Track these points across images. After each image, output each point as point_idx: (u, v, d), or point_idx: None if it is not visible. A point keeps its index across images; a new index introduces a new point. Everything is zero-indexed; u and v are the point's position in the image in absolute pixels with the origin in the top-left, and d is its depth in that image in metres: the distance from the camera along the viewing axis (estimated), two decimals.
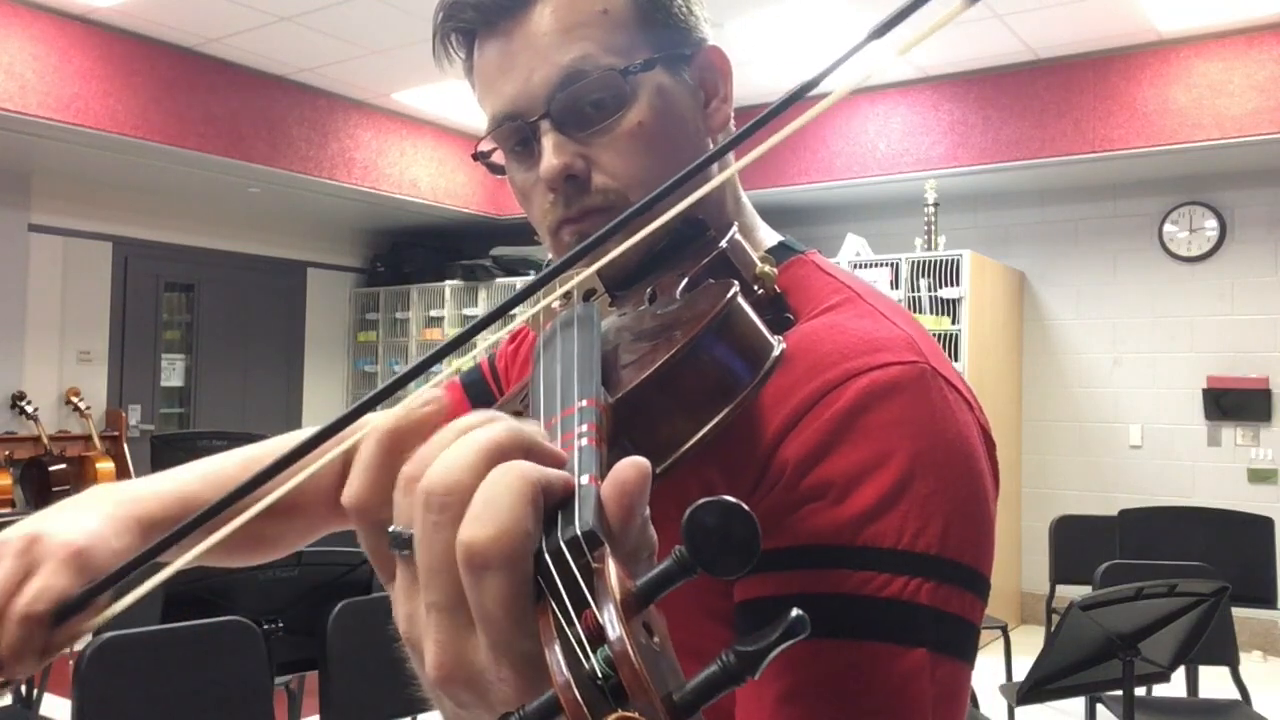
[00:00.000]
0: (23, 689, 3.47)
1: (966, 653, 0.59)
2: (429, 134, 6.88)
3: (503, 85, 0.72)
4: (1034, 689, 2.55)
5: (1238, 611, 3.32)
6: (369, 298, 8.25)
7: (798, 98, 0.47)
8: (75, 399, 6.34)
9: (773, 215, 0.82)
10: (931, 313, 5.66)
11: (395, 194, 6.69)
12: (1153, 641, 2.53)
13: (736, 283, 0.54)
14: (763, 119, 0.48)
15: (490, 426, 0.40)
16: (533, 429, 0.41)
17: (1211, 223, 5.77)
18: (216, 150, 5.69)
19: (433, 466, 0.38)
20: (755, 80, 5.44)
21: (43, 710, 3.45)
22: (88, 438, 6.29)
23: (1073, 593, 2.88)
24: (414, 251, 8.11)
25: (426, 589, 0.38)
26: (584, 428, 0.43)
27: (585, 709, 0.31)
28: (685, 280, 0.64)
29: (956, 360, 5.43)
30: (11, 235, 6.19)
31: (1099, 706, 3.09)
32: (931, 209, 5.86)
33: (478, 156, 0.78)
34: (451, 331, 7.68)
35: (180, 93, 5.51)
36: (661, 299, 0.64)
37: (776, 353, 0.53)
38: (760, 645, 0.31)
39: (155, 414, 6.99)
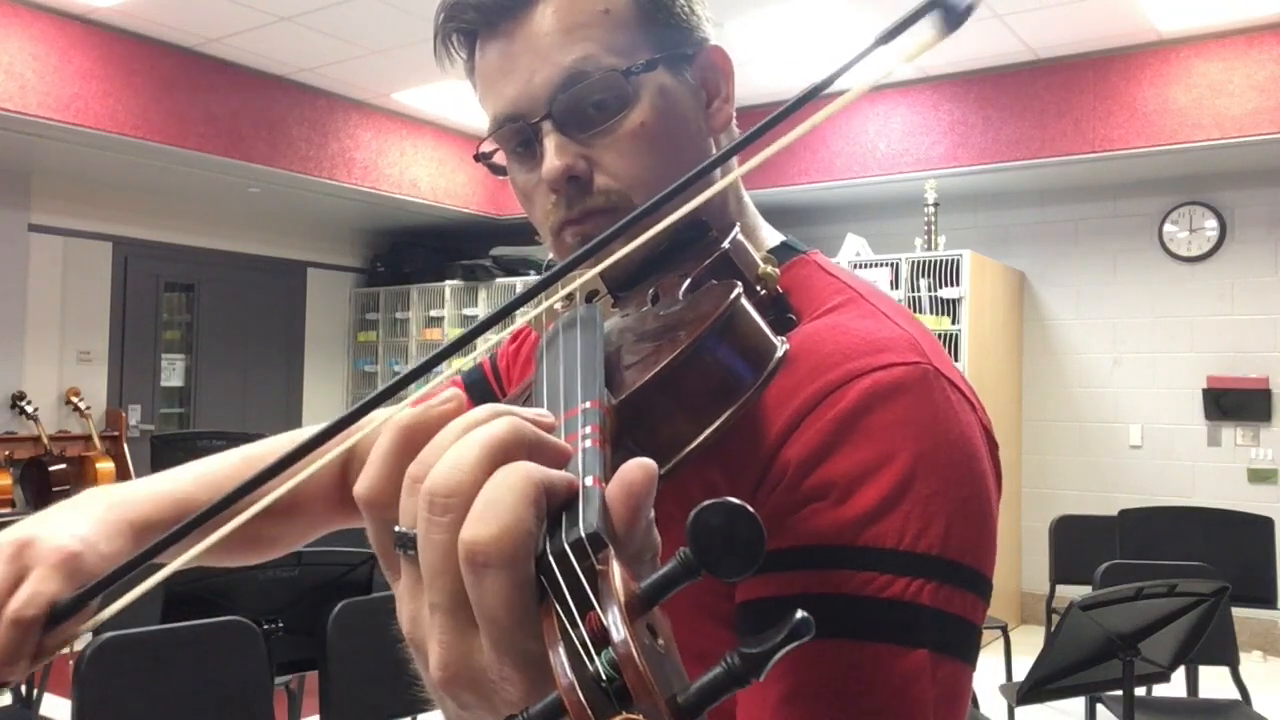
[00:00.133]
0: (23, 689, 3.48)
1: (968, 654, 0.59)
2: (429, 134, 6.88)
3: (504, 86, 0.72)
4: (1034, 689, 2.55)
5: (1238, 611, 3.32)
6: (369, 298, 8.25)
7: (807, 100, 0.47)
8: (75, 399, 6.34)
9: (773, 215, 0.82)
10: (931, 313, 5.66)
11: (395, 194, 6.69)
12: (1153, 641, 2.53)
13: (740, 284, 0.54)
14: (769, 123, 0.48)
15: (493, 424, 0.40)
16: (532, 419, 0.41)
17: (1211, 223, 5.77)
18: (216, 150, 5.69)
19: (436, 467, 0.38)
20: (755, 80, 5.44)
21: (43, 710, 3.45)
22: (88, 438, 6.29)
23: (1073, 593, 2.88)
24: (414, 251, 8.11)
25: (430, 590, 0.38)
26: (588, 429, 0.43)
27: (590, 711, 0.31)
28: (688, 281, 0.64)
29: (956, 360, 5.43)
30: (11, 235, 6.19)
31: (1099, 706, 3.09)
32: (931, 209, 5.86)
33: (479, 158, 0.78)
34: (452, 331, 7.68)
35: (180, 93, 5.51)
36: (664, 300, 0.64)
37: (780, 354, 0.52)
38: (765, 647, 0.31)
39: (155, 414, 6.99)
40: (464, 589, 0.37)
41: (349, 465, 0.92)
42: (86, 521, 0.71)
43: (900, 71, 5.70)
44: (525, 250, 7.34)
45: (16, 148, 5.53)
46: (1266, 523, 3.85)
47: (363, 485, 0.43)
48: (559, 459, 0.40)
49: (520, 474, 0.37)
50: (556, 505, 0.37)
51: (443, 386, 0.79)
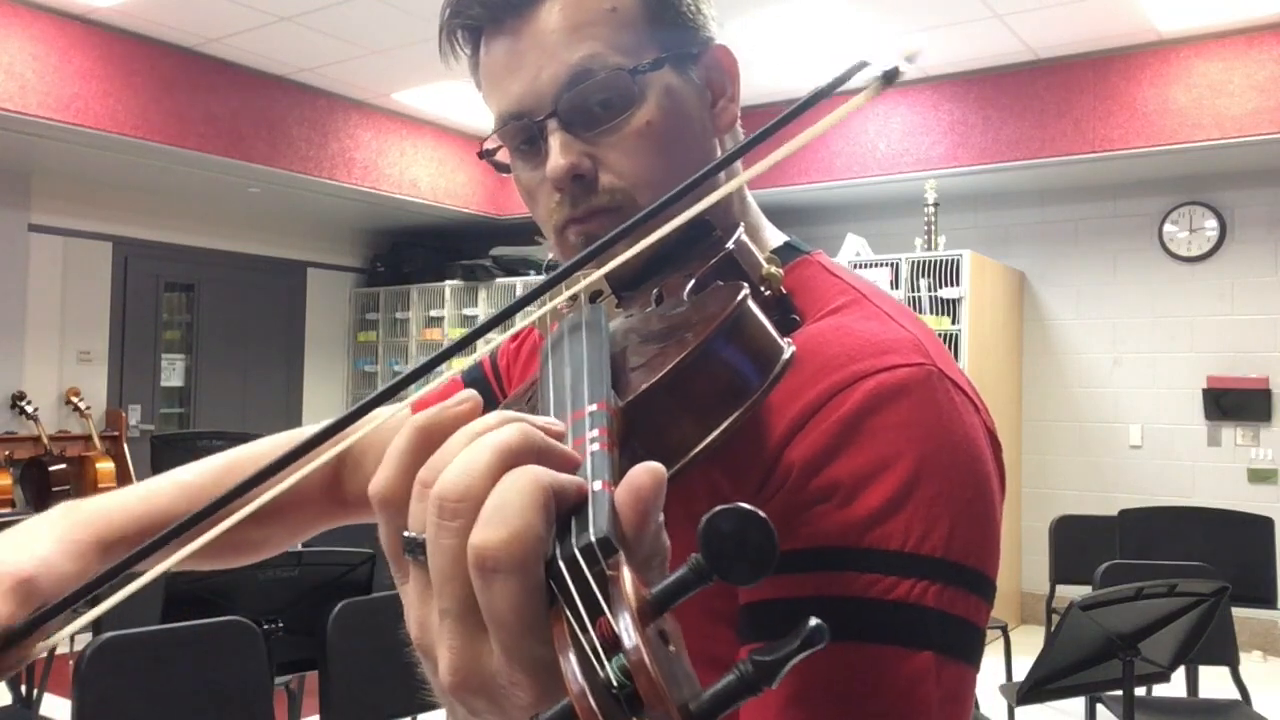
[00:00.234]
0: (22, 689, 3.47)
1: (972, 655, 0.59)
2: (429, 134, 6.87)
3: (510, 83, 0.72)
4: (1034, 689, 2.55)
5: (1238, 611, 3.32)
6: (369, 298, 8.25)
7: (810, 105, 0.47)
8: (75, 399, 6.34)
9: (773, 215, 0.82)
10: (931, 313, 5.66)
11: (395, 194, 6.69)
12: (1153, 641, 2.53)
13: (746, 285, 0.54)
14: (773, 126, 0.48)
15: (503, 429, 0.39)
16: (542, 426, 0.41)
17: (1211, 223, 5.77)
18: (216, 150, 5.69)
19: (445, 472, 0.38)
20: (755, 80, 5.44)
21: (43, 710, 3.44)
22: (88, 438, 6.29)
23: (1073, 593, 2.88)
24: (414, 251, 8.10)
25: (439, 595, 0.38)
26: (594, 432, 0.43)
27: (601, 717, 0.31)
28: (692, 281, 0.63)
29: (957, 360, 5.41)
30: (11, 235, 6.19)
31: (1099, 706, 3.09)
32: (931, 209, 5.86)
33: (483, 155, 0.78)
34: (452, 331, 7.68)
35: (180, 93, 5.51)
36: (668, 300, 0.63)
37: (787, 355, 0.52)
38: (778, 655, 0.31)
39: (155, 414, 6.99)
40: (473, 594, 0.36)
41: (341, 466, 0.92)
42: (47, 541, 0.70)
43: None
44: (525, 250, 7.34)
45: (16, 148, 5.53)
46: (1266, 523, 3.85)
47: (376, 484, 0.43)
48: (568, 466, 0.40)
49: (529, 478, 0.36)
50: (565, 509, 0.37)
51: (442, 385, 0.79)
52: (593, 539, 0.35)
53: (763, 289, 0.65)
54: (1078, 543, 4.16)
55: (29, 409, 6.09)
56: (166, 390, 7.17)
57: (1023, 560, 6.15)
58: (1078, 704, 3.21)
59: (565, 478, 0.38)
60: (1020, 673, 2.98)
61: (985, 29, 5.06)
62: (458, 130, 6.97)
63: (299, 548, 2.65)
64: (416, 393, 0.61)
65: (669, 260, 0.69)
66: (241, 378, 7.49)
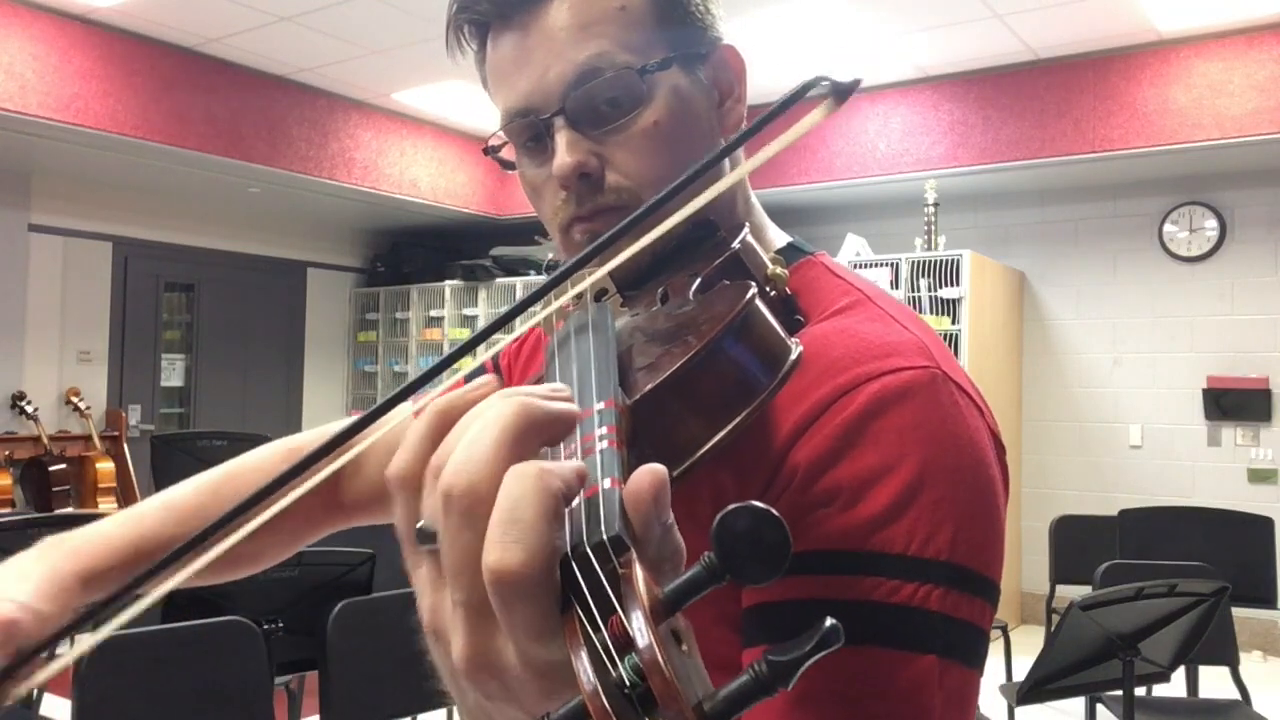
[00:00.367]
0: None
1: (976, 659, 0.59)
2: (429, 134, 6.87)
3: (517, 80, 0.72)
4: (1034, 689, 2.55)
5: (1238, 611, 3.32)
6: (369, 298, 8.25)
7: (797, 99, 0.47)
8: (75, 399, 6.34)
9: (773, 215, 0.82)
10: (931, 313, 5.66)
11: (395, 194, 6.69)
12: (1153, 641, 2.53)
13: (754, 284, 0.54)
14: (764, 119, 0.48)
15: (501, 408, 0.39)
16: (546, 395, 0.41)
17: (1211, 223, 5.77)
18: (216, 150, 5.69)
19: (448, 462, 0.38)
20: (756, 80, 5.34)
21: (43, 710, 3.44)
22: (88, 438, 6.29)
23: (1073, 593, 2.88)
24: (414, 251, 8.10)
25: (453, 587, 0.38)
26: (603, 430, 0.42)
27: (613, 717, 0.30)
28: (698, 281, 0.63)
29: (957, 360, 5.42)
30: (11, 235, 6.19)
31: (1099, 706, 3.09)
32: (931, 209, 5.86)
33: (489, 151, 0.77)
34: (452, 332, 7.68)
35: (180, 93, 5.51)
36: (674, 300, 0.63)
37: (794, 355, 0.52)
38: (794, 655, 0.30)
39: (155, 414, 6.99)
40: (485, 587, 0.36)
41: (339, 472, 0.92)
42: (28, 581, 0.70)
43: (900, 71, 5.70)
44: (525, 250, 7.34)
45: (16, 148, 5.53)
46: (1266, 523, 3.85)
47: (394, 466, 0.43)
48: (566, 431, 0.40)
49: (539, 487, 0.36)
50: (573, 503, 0.37)
51: (447, 389, 0.79)
52: (604, 537, 0.35)
53: (768, 289, 0.65)
54: (1078, 543, 4.16)
55: (29, 409, 6.09)
56: (166, 390, 7.17)
57: (1023, 560, 6.15)
58: (1078, 704, 3.21)
59: (572, 475, 0.37)
60: (1020, 673, 2.98)
61: (985, 29, 5.06)
62: (458, 130, 6.97)
63: (284, 558, 2.63)
64: (422, 400, 0.61)
65: (674, 260, 0.69)
66: (241, 378, 7.49)
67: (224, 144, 5.71)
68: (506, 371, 0.91)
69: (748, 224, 0.72)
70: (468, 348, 0.48)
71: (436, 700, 2.68)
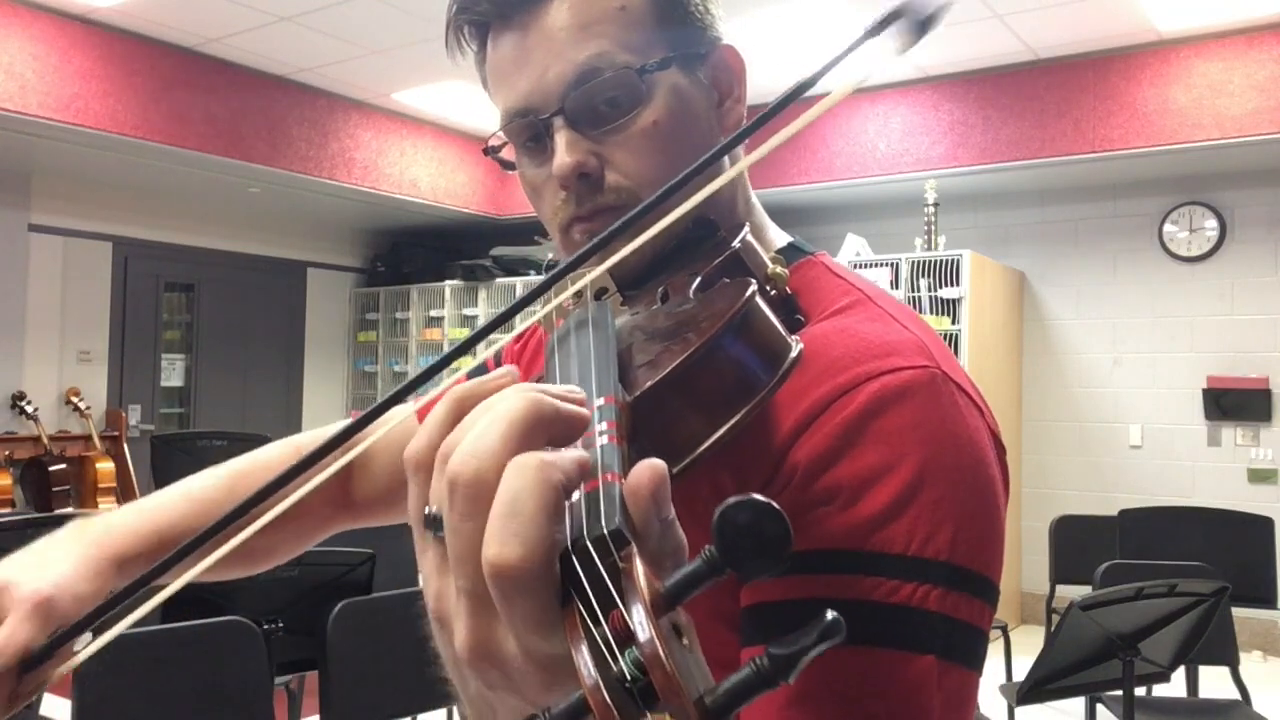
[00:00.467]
0: None
1: (974, 660, 0.59)
2: (429, 134, 6.87)
3: (517, 80, 0.72)
4: (1034, 689, 2.55)
5: (1238, 611, 3.32)
6: (369, 298, 8.25)
7: (796, 96, 0.47)
8: (75, 399, 6.34)
9: (773, 215, 0.82)
10: (931, 313, 5.66)
11: (395, 194, 6.69)
12: (1153, 641, 2.53)
13: (754, 281, 0.54)
14: (763, 117, 0.48)
15: (511, 401, 0.40)
16: (560, 395, 0.41)
17: (1211, 223, 5.77)
18: (216, 150, 5.69)
19: (455, 451, 0.39)
20: (755, 80, 5.34)
21: (43, 710, 3.44)
22: (88, 438, 6.29)
23: (1073, 593, 2.88)
24: (414, 251, 8.10)
25: (457, 575, 0.38)
26: (603, 425, 0.42)
27: (615, 711, 0.30)
28: (698, 280, 0.63)
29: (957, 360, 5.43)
30: (11, 235, 6.19)
31: (1099, 706, 3.09)
32: (931, 209, 5.86)
33: (488, 151, 0.78)
34: (452, 332, 7.68)
35: (180, 93, 5.51)
36: (674, 298, 0.63)
37: (795, 353, 0.52)
38: (795, 649, 0.30)
39: (155, 414, 6.99)
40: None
41: (349, 470, 0.92)
42: (66, 561, 0.70)
43: (900, 71, 5.70)
44: (525, 250, 7.34)
45: (16, 148, 5.53)
46: (1266, 523, 3.85)
47: (411, 449, 0.44)
48: (575, 429, 0.40)
49: (539, 479, 0.36)
50: (573, 496, 0.37)
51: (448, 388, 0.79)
52: (605, 530, 0.35)
53: (768, 288, 0.65)
54: (1078, 543, 4.16)
55: (29, 409, 6.09)
56: (166, 390, 7.17)
57: (1023, 560, 6.15)
58: (1078, 704, 3.21)
59: (573, 467, 0.38)
60: (1020, 673, 2.98)
61: (985, 29, 5.06)
62: (458, 130, 6.96)
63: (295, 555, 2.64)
64: (425, 397, 0.61)
65: (674, 259, 0.69)
66: (241, 378, 7.49)
67: (224, 144, 5.71)
68: None
69: (748, 224, 0.72)
70: (466, 346, 0.48)
71: (437, 700, 2.68)
